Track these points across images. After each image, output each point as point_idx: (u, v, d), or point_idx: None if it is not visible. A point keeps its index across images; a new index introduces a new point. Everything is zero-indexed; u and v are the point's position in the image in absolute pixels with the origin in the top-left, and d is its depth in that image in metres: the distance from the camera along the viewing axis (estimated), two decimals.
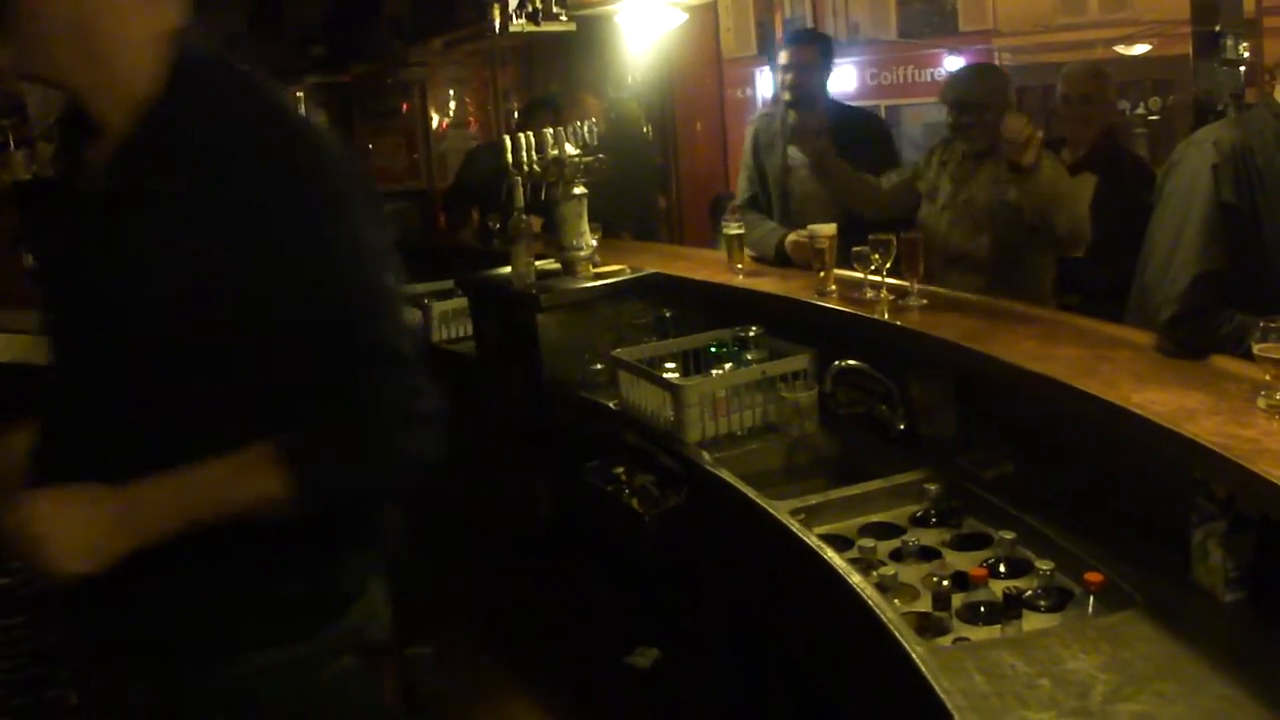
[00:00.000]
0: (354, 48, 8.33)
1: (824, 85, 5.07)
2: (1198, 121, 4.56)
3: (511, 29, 5.62)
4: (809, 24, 7.43)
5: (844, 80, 24.31)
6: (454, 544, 5.81)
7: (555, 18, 5.55)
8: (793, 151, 5.04)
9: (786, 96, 5.01)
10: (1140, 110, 20.40)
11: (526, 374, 4.77)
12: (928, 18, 25.12)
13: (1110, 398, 2.58)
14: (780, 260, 4.79)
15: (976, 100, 4.41)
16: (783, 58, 5.05)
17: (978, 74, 4.77)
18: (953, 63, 23.42)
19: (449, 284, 6.24)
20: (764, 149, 5.18)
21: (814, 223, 4.47)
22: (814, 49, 5.03)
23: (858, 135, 5.04)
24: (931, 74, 23.82)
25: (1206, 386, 2.62)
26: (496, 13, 5.58)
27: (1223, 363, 2.79)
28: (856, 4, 25.60)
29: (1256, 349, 2.43)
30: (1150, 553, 2.59)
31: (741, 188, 5.34)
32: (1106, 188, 4.76)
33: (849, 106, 5.58)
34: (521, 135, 4.85)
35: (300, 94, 10.81)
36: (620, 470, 3.96)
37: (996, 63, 22.58)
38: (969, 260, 4.38)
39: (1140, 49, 20.01)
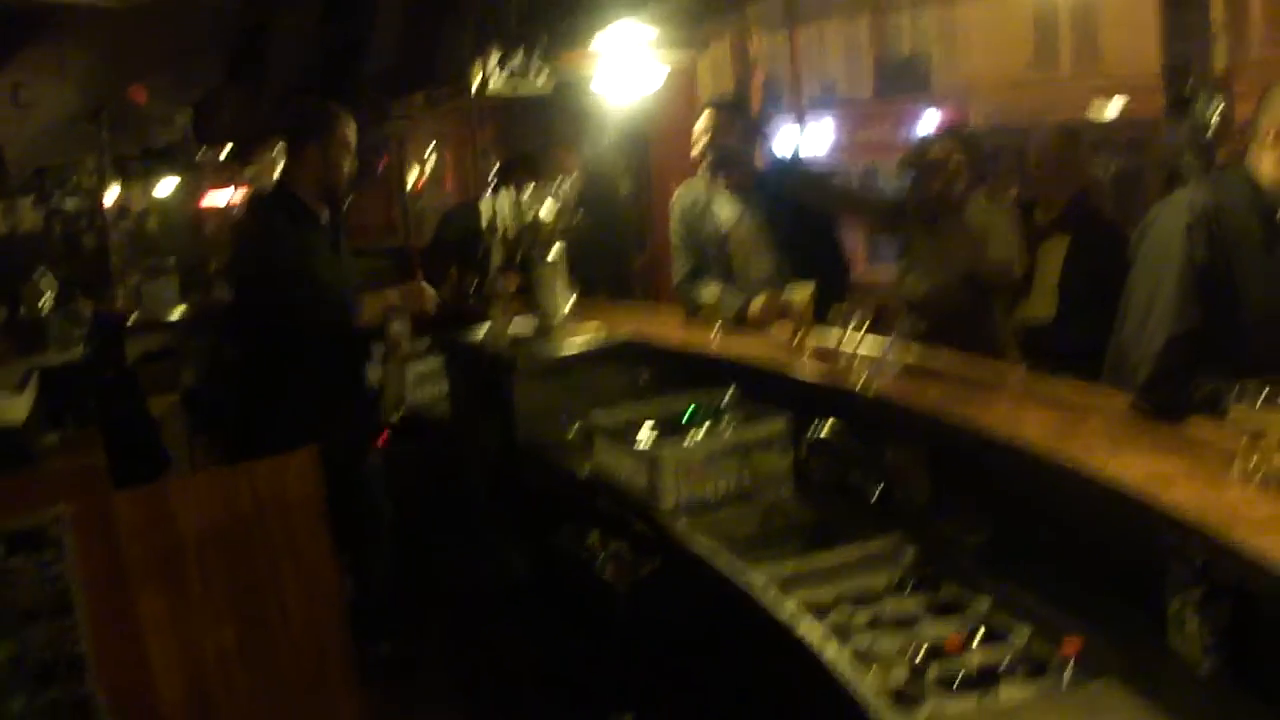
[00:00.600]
0: (336, 101, 8.34)
1: (746, 143, 5.16)
2: (1168, 181, 4.58)
3: (492, 88, 5.63)
4: (786, 82, 7.49)
5: (820, 138, 24.51)
6: (427, 603, 5.78)
7: (536, 76, 5.56)
8: (726, 215, 5.08)
9: (708, 156, 5.06)
10: (1113, 169, 20.58)
11: (501, 436, 4.74)
12: (903, 76, 25.36)
13: (1086, 465, 2.57)
14: (739, 320, 4.81)
15: (920, 164, 4.65)
16: (702, 119, 5.09)
17: (927, 141, 4.85)
18: (927, 120, 23.67)
19: (425, 343, 6.23)
20: (695, 219, 5.17)
21: (758, 279, 4.80)
22: (733, 111, 5.14)
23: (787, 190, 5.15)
24: (907, 131, 24.02)
25: (1182, 451, 2.61)
26: (478, 70, 5.59)
27: (1198, 426, 2.78)
28: (833, 64, 25.83)
29: (1232, 413, 2.42)
30: (1127, 619, 2.57)
31: (679, 264, 5.27)
32: (1077, 249, 4.80)
33: (776, 163, 5.66)
34: (499, 195, 4.85)
35: (280, 148, 10.85)
36: (594, 536, 3.93)
37: (970, 121, 22.85)
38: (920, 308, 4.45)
39: (1112, 109, 20.21)
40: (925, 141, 4.76)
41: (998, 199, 4.67)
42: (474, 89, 5.87)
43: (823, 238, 5.07)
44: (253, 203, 5.34)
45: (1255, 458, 2.38)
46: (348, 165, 4.83)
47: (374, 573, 5.05)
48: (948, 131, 5.06)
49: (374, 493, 5.04)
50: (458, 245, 6.96)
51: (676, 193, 5.31)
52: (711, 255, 5.10)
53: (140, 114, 11.86)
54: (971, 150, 4.72)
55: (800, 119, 8.36)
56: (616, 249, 7.61)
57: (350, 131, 4.84)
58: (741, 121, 5.09)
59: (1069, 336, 4.63)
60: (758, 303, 4.77)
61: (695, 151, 5.09)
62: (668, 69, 6.19)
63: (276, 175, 5.05)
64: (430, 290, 4.94)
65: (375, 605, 5.06)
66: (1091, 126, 19.69)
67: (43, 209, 8.62)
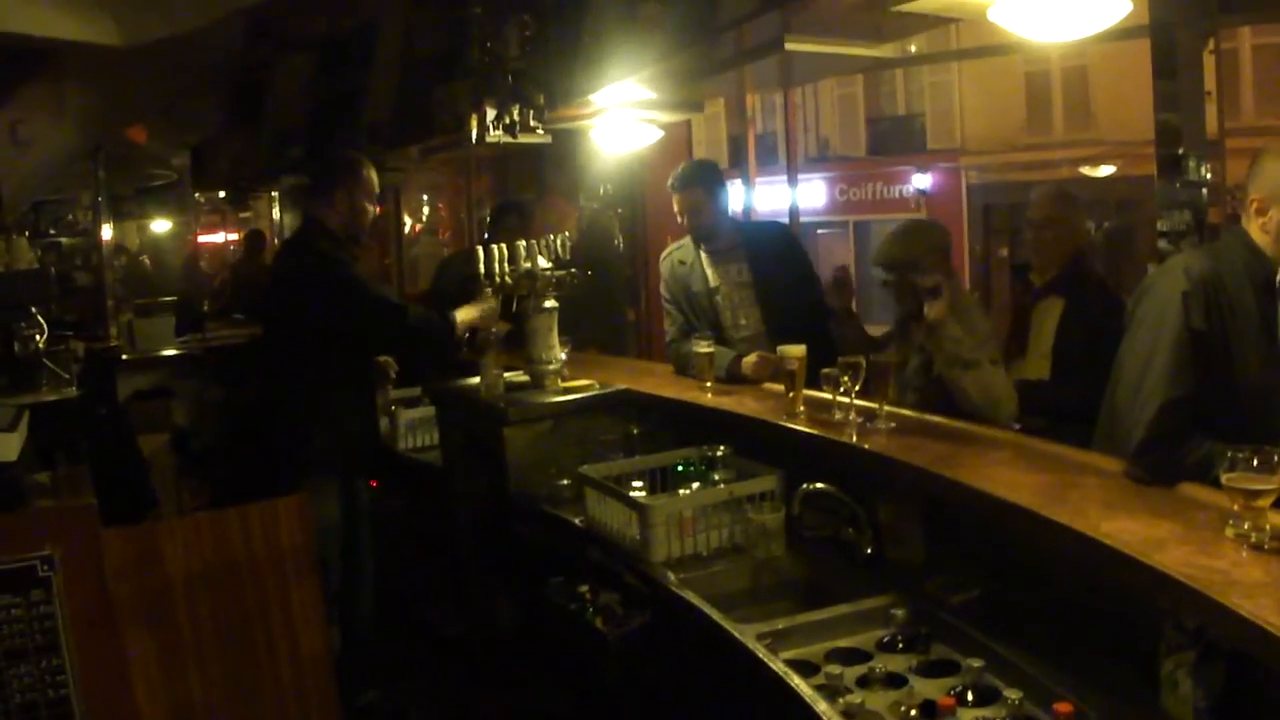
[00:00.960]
0: (332, 149, 8.37)
1: (720, 212, 5.21)
2: (1160, 243, 4.62)
3: (488, 140, 5.66)
4: (780, 140, 7.48)
5: (813, 195, 24.66)
6: (414, 651, 5.76)
7: (532, 130, 5.60)
8: (711, 274, 5.15)
9: (693, 235, 5.19)
10: (1103, 229, 20.68)
11: (492, 486, 4.74)
12: (897, 136, 25.53)
13: (1079, 527, 2.57)
14: (730, 379, 4.83)
15: (894, 261, 4.29)
16: (675, 202, 5.19)
17: (903, 234, 4.63)
18: (920, 180, 23.82)
19: (416, 391, 6.23)
20: (682, 279, 5.24)
21: (746, 336, 4.92)
22: (698, 189, 5.14)
23: (770, 248, 5.26)
24: (900, 190, 24.20)
25: (1175, 515, 2.61)
26: (474, 124, 5.63)
27: (1191, 490, 2.79)
28: (828, 121, 26.01)
29: (1225, 478, 2.43)
30: (1120, 682, 2.56)
31: (670, 326, 5.35)
32: (1071, 311, 4.82)
33: (753, 222, 5.70)
34: (494, 247, 4.86)
35: (275, 194, 10.89)
36: (584, 588, 3.91)
37: (962, 181, 22.99)
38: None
39: (1105, 170, 20.35)
40: (893, 237, 4.59)
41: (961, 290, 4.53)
42: (471, 140, 5.89)
43: (806, 292, 5.14)
44: (288, 244, 5.52)
45: (1247, 522, 2.39)
46: (371, 209, 5.09)
47: (359, 620, 5.05)
48: (913, 225, 4.90)
49: (362, 540, 5.06)
50: (454, 293, 6.97)
51: (665, 252, 5.40)
52: (702, 311, 5.15)
53: (138, 154, 11.92)
54: (941, 241, 4.56)
55: (793, 176, 8.39)
56: (610, 303, 7.65)
57: (374, 177, 5.07)
58: (711, 195, 5.15)
59: (1063, 398, 4.65)
60: (750, 360, 4.80)
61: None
62: (661, 133, 6.24)
63: (303, 219, 5.23)
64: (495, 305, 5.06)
65: (361, 653, 5.05)
66: (1084, 184, 19.83)
67: (38, 246, 8.62)
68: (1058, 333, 4.84)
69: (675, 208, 5.20)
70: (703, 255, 5.17)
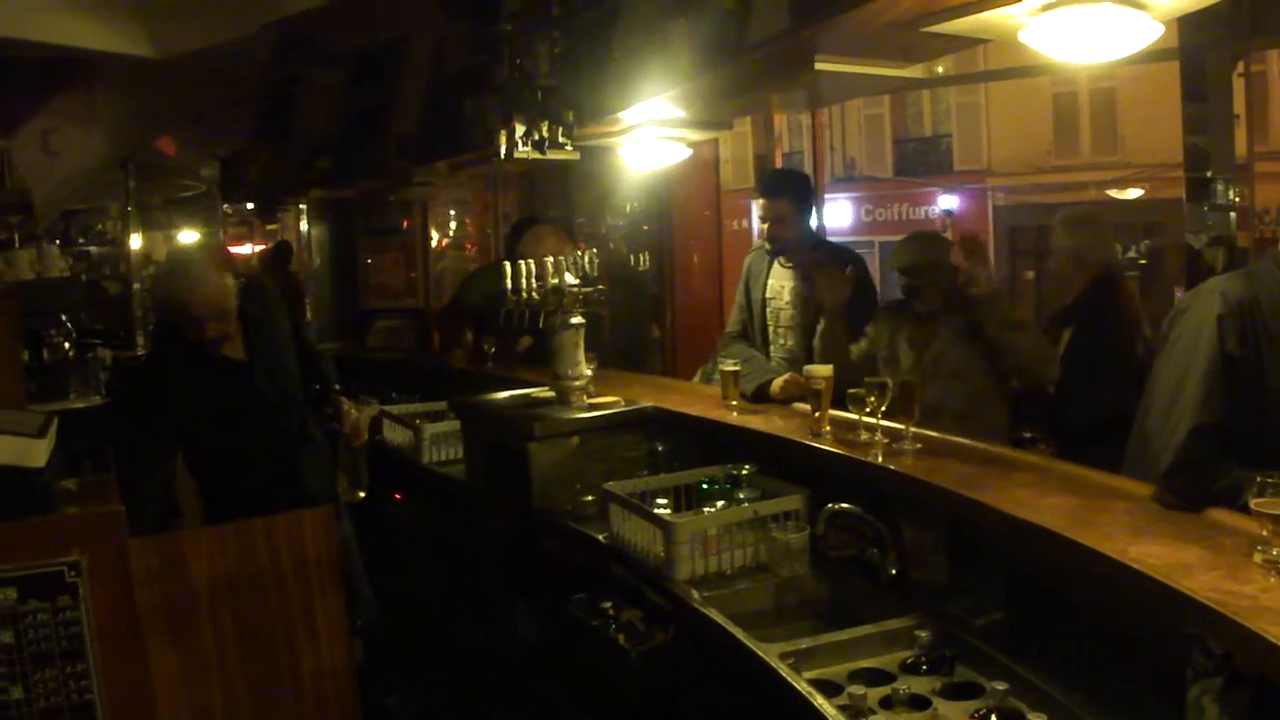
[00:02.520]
0: (360, 164, 8.42)
1: (803, 227, 5.22)
2: (1189, 266, 4.62)
3: (517, 156, 5.67)
4: (807, 159, 7.45)
5: (839, 215, 24.61)
6: (435, 666, 5.75)
7: (561, 147, 5.61)
8: (773, 284, 5.17)
9: (767, 246, 5.22)
10: (1131, 253, 20.59)
11: (516, 501, 4.74)
12: (923, 157, 25.47)
13: (1106, 550, 2.56)
14: (755, 399, 4.83)
15: (923, 265, 4.71)
16: (759, 206, 5.20)
17: (921, 241, 4.98)
18: (947, 201, 23.76)
19: (442, 405, 6.25)
20: (753, 279, 5.28)
21: (785, 358, 4.95)
22: (788, 200, 5.13)
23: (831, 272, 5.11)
24: (926, 211, 24.13)
25: (1203, 540, 2.60)
26: (503, 139, 5.64)
27: (1219, 516, 2.77)
28: (854, 141, 25.98)
29: (1254, 504, 2.42)
30: (1145, 707, 2.56)
31: (733, 318, 5.44)
32: (1083, 332, 4.88)
33: (829, 244, 5.66)
34: (521, 262, 4.87)
35: (303, 206, 10.92)
36: (608, 605, 3.91)
37: (989, 203, 22.93)
38: (944, 413, 4.46)
39: (1132, 193, 20.27)
40: (909, 244, 4.87)
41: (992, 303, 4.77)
42: (500, 156, 5.90)
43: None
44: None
45: (1276, 548, 2.38)
46: (207, 328, 4.50)
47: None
48: (922, 233, 5.18)
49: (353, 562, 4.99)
50: (481, 306, 6.98)
51: (753, 247, 5.47)
52: (756, 319, 5.21)
53: (167, 165, 11.98)
54: (944, 253, 4.85)
55: (821, 196, 8.39)
56: (635, 320, 7.65)
57: (202, 305, 4.49)
58: (798, 208, 5.16)
59: (1062, 411, 4.89)
60: (779, 381, 4.81)
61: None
62: (690, 151, 6.26)
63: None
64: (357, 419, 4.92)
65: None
66: (1111, 206, 19.77)
67: (68, 254, 8.68)
68: (1067, 346, 4.96)
69: (758, 212, 5.22)
70: (775, 264, 5.19)
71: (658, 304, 7.56)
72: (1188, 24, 4.25)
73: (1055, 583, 2.97)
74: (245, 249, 16.70)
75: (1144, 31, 3.37)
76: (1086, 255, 5.28)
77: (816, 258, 5.00)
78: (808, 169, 6.88)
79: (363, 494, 4.96)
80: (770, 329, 5.17)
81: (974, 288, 4.69)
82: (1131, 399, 4.34)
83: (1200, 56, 4.43)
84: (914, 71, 4.68)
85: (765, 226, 5.17)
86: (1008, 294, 4.94)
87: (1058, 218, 5.50)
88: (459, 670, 5.60)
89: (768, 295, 5.19)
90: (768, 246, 5.21)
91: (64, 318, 6.25)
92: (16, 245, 5.66)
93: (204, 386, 4.58)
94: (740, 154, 17.41)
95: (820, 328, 4.81)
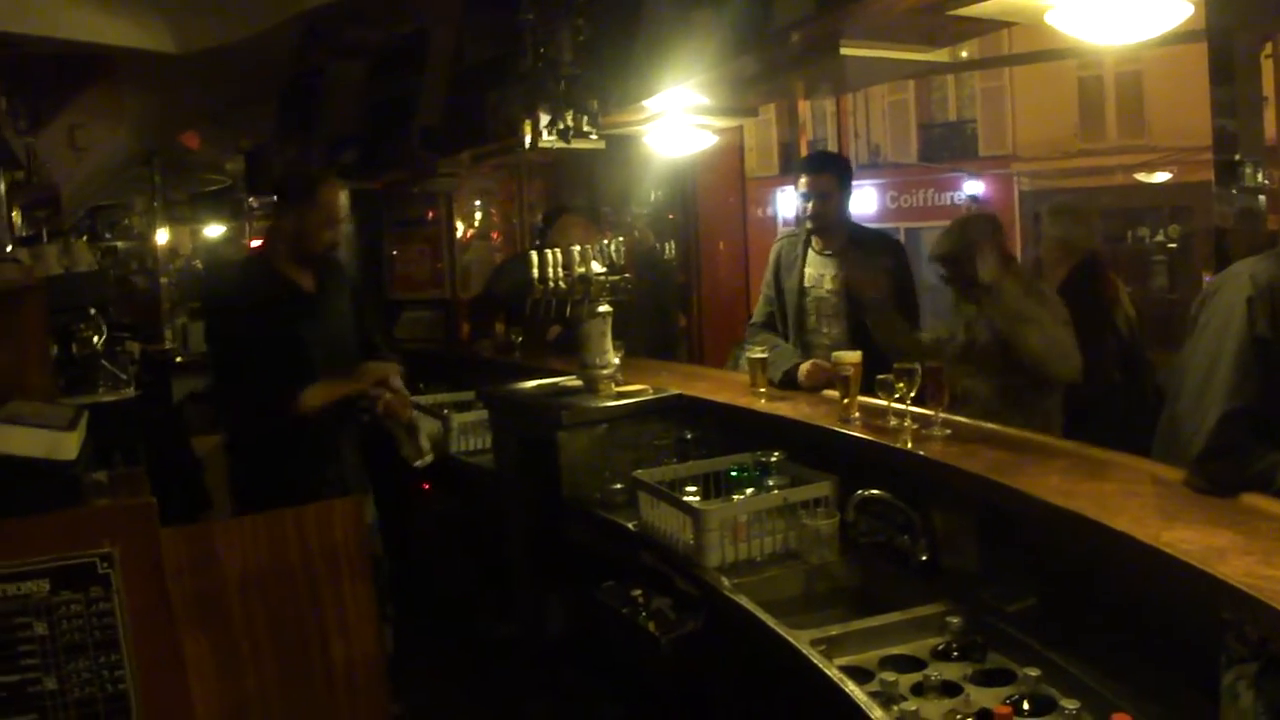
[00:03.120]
0: (384, 155, 8.42)
1: (844, 208, 5.15)
2: (1218, 249, 4.59)
3: (541, 145, 5.66)
4: (832, 146, 7.41)
5: (864, 202, 24.58)
6: (462, 655, 5.77)
7: (586, 136, 5.59)
8: (810, 272, 5.13)
9: (809, 225, 5.12)
10: (1160, 237, 20.54)
11: (545, 489, 4.74)
12: (948, 142, 25.40)
13: (1139, 536, 2.55)
14: (784, 385, 4.82)
15: (950, 254, 4.79)
16: (802, 184, 5.12)
17: (951, 229, 5.00)
18: (972, 186, 23.68)
19: (470, 395, 6.25)
20: (784, 269, 5.24)
21: (828, 345, 4.82)
22: (832, 176, 5.09)
23: (875, 261, 5.07)
24: (951, 197, 24.06)
25: (1236, 525, 2.59)
26: (528, 129, 5.63)
27: (1253, 500, 2.75)
28: (878, 128, 25.92)
29: None
30: (1179, 694, 2.53)
31: (759, 309, 5.40)
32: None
33: (866, 228, 5.62)
34: (548, 251, 4.87)
35: None
36: (637, 592, 3.91)
37: (1014, 188, 22.85)
38: (973, 399, 4.45)
39: (1160, 176, 20.20)
40: (947, 232, 4.89)
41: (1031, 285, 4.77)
42: (524, 146, 5.89)
43: (902, 309, 4.98)
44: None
45: None
46: (324, 235, 4.68)
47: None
48: (965, 218, 5.21)
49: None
50: (512, 296, 6.99)
51: (781, 234, 5.43)
52: (790, 309, 5.15)
53: (192, 160, 12.03)
54: (991, 230, 4.85)
55: None
56: (662, 309, 7.64)
57: (334, 200, 4.75)
58: (842, 186, 5.12)
59: None
60: (806, 367, 4.80)
61: (799, 210, 5.19)
62: (715, 138, 6.24)
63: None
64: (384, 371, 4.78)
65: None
66: (1138, 190, 19.70)
67: (96, 249, 8.71)
68: None
69: (800, 188, 5.13)
70: (810, 252, 5.15)
71: (684, 292, 7.55)
72: (1215, 5, 4.20)
73: (1087, 568, 2.95)
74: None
75: (1172, 11, 3.34)
76: (1071, 242, 5.59)
77: (853, 258, 5.01)
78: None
79: (429, 459, 4.96)
80: (811, 318, 5.13)
81: (982, 275, 4.67)
82: (1110, 375, 4.56)
83: (1228, 38, 4.38)
84: (940, 56, 4.65)
85: (808, 205, 5.05)
86: (1028, 283, 4.95)
87: (1045, 207, 5.73)
88: (486, 658, 5.62)
89: (806, 284, 5.14)
90: (808, 225, 5.12)
91: (93, 311, 6.27)
92: (44, 240, 5.67)
93: (287, 326, 4.63)
94: (764, 141, 17.41)
95: (871, 321, 4.78)
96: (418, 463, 4.78)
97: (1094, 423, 4.68)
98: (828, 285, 5.11)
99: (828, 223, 5.07)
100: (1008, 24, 4.06)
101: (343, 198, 4.77)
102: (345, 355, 4.77)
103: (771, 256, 5.35)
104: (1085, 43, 3.75)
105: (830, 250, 5.13)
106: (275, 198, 4.95)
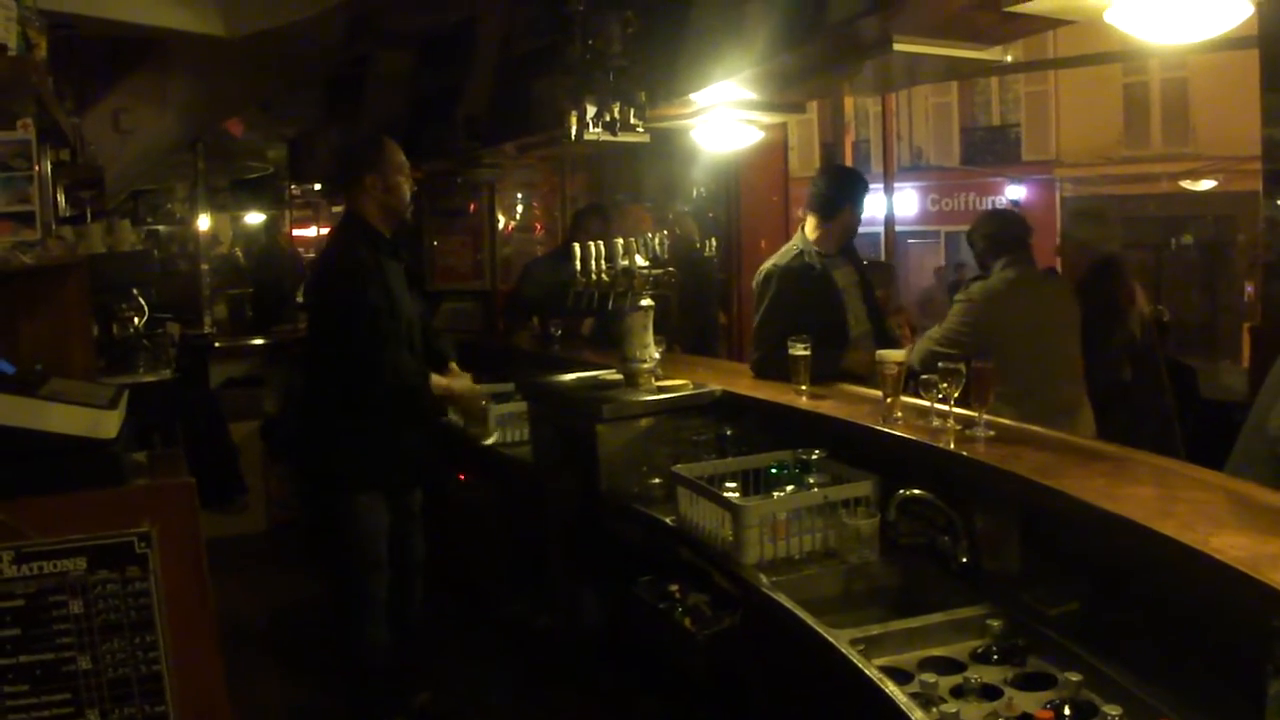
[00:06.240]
0: (428, 145, 8.42)
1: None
2: (1273, 257, 4.55)
3: (587, 137, 5.64)
4: (876, 148, 7.36)
5: (906, 204, 24.50)
6: (497, 645, 5.77)
7: (632, 129, 5.57)
8: (840, 279, 5.15)
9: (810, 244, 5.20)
10: (1202, 244, 20.40)
11: (583, 483, 4.73)
12: (991, 146, 25.28)
13: (1186, 540, 2.51)
14: (833, 374, 4.83)
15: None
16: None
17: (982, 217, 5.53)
18: (1014, 191, 23.57)
19: (509, 386, 6.24)
20: (812, 289, 5.07)
21: (863, 333, 5.07)
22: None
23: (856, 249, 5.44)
24: (993, 201, 23.94)
25: None
26: (574, 120, 5.61)
27: None
28: (921, 130, 25.80)
29: None
30: (1223, 701, 2.50)
31: (772, 335, 5.01)
32: (1083, 311, 5.28)
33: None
34: (590, 244, 4.85)
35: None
36: (674, 588, 3.90)
37: (1057, 194, 22.74)
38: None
39: (1205, 184, 20.09)
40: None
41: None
42: (570, 137, 5.86)
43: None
44: (330, 238, 5.30)
45: None
46: (405, 184, 4.85)
47: (409, 619, 4.99)
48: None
49: (413, 544, 5.00)
50: (540, 298, 7.04)
51: (773, 266, 5.18)
52: (831, 312, 5.06)
53: (235, 146, 12.08)
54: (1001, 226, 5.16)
55: (890, 184, 8.34)
56: (702, 305, 7.63)
57: (399, 154, 4.86)
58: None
59: None
60: (855, 354, 4.85)
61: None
62: (761, 134, 6.21)
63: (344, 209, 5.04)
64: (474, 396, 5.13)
65: (413, 651, 5.03)
66: (1182, 201, 19.60)
67: (139, 231, 8.75)
68: None
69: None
70: (829, 262, 5.14)
71: (725, 289, 7.52)
72: (1268, 10, 4.15)
73: (1132, 573, 2.91)
74: (310, 231, 16.79)
75: (1234, 10, 3.29)
76: (1092, 244, 5.88)
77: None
78: (876, 156, 6.85)
79: (494, 438, 5.48)
80: (850, 317, 5.12)
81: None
82: (1119, 373, 5.31)
83: None
84: (993, 54, 4.59)
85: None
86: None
87: (1069, 208, 5.93)
88: (522, 650, 5.61)
89: (840, 288, 5.15)
90: (796, 249, 5.21)
91: (135, 292, 6.30)
92: (89, 220, 5.69)
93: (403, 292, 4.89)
94: (806, 141, 17.34)
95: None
96: (486, 441, 5.30)
97: (1102, 416, 5.02)
98: (854, 280, 5.24)
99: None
100: (1064, 22, 4.00)
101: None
102: (418, 328, 5.02)
103: (779, 284, 5.10)
104: (1136, 45, 3.70)
105: (847, 251, 5.31)
106: (343, 177, 4.98)
